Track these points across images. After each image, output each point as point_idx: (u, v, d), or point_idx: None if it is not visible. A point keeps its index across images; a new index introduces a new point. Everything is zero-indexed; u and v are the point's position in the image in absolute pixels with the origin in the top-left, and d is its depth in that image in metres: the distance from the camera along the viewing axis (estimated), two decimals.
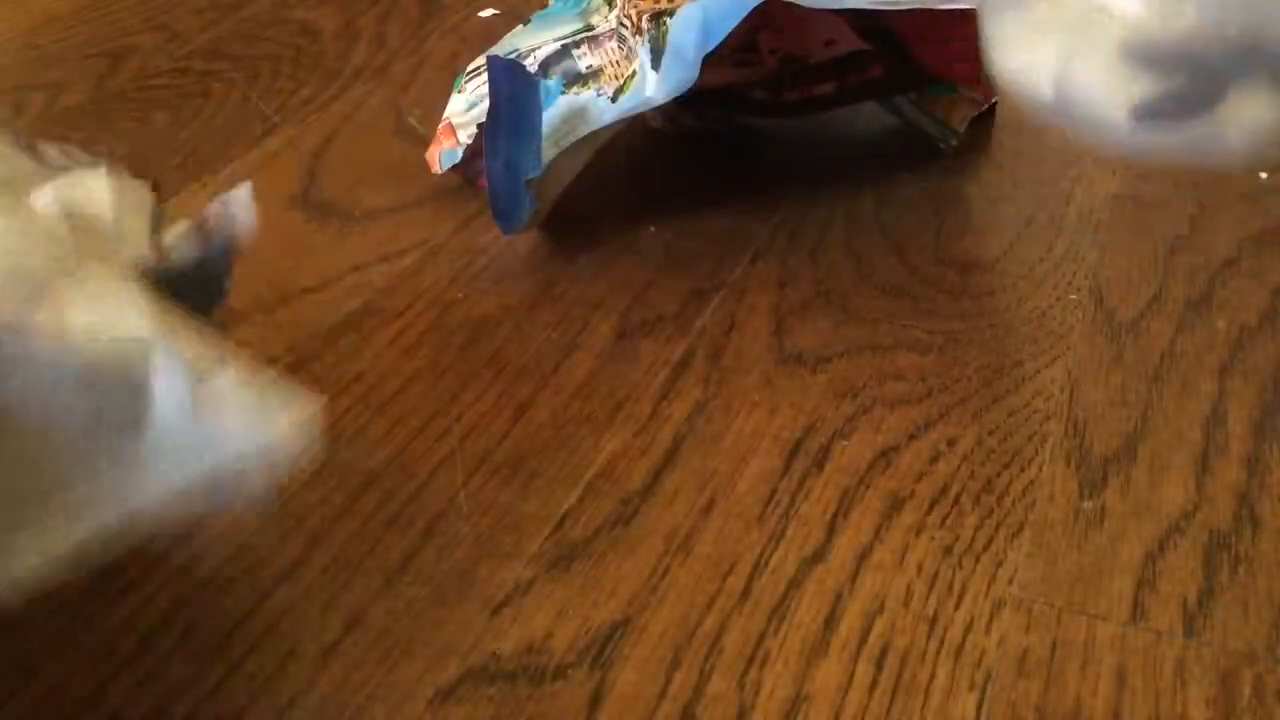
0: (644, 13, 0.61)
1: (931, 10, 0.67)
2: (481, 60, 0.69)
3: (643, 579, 0.43)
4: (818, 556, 0.44)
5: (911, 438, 0.50)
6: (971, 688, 0.40)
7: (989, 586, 0.43)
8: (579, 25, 0.68)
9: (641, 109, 0.59)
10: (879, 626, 0.42)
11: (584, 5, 0.70)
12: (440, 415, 0.51)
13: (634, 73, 0.62)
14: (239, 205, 0.33)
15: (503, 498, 0.47)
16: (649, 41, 0.60)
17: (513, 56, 0.67)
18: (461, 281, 0.60)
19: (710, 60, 0.57)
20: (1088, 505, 0.47)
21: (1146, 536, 0.46)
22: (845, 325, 0.57)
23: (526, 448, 0.49)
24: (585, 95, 0.64)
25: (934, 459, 0.49)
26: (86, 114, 0.74)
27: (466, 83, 0.69)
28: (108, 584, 0.43)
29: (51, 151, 0.35)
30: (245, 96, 0.76)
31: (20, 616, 0.41)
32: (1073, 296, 0.60)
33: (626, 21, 0.63)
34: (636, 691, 0.39)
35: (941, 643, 0.41)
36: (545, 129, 0.62)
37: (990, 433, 0.51)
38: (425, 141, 0.70)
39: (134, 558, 0.44)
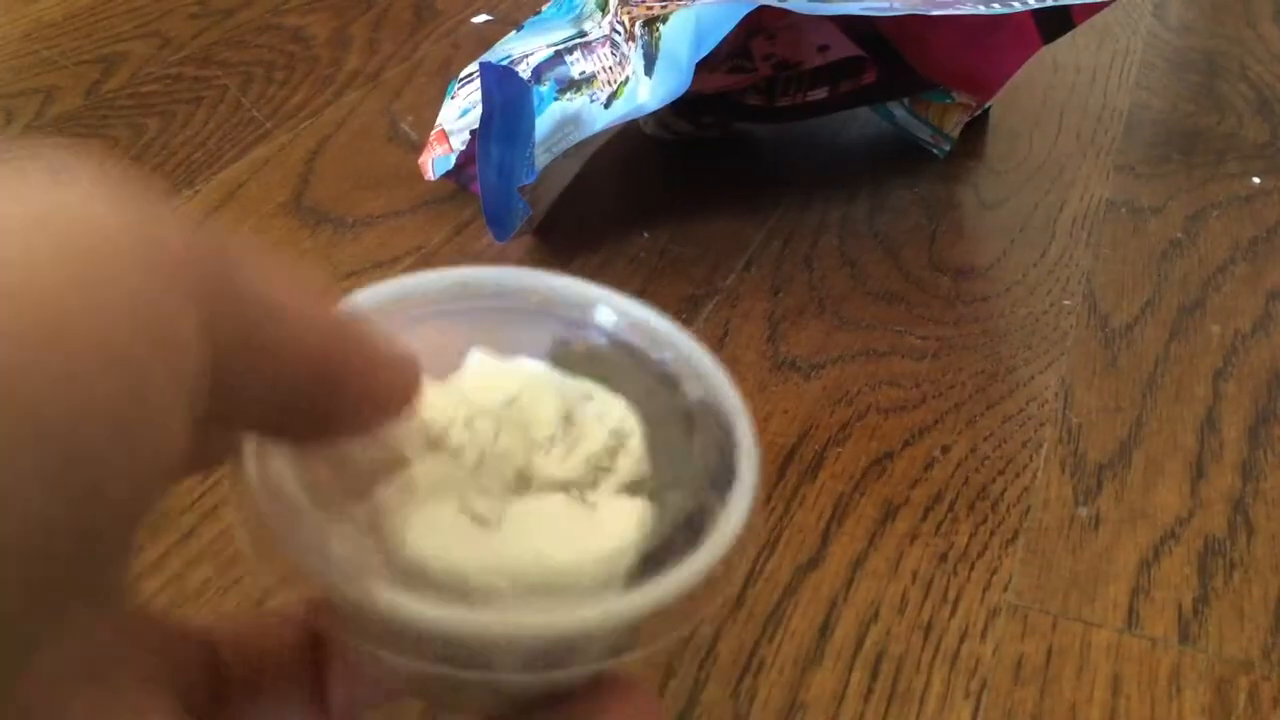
0: (637, 18, 0.61)
1: (925, 16, 0.67)
2: (474, 66, 0.69)
3: None
4: (812, 563, 0.44)
5: (906, 444, 0.50)
6: (967, 696, 0.39)
7: (984, 594, 0.43)
8: (572, 31, 0.68)
9: (635, 115, 0.59)
10: (874, 634, 0.41)
11: (577, 11, 0.70)
12: None
13: (627, 79, 0.62)
14: None
15: None
16: (642, 47, 0.60)
17: (505, 63, 0.67)
18: None
19: (704, 66, 0.57)
20: (1082, 511, 0.47)
21: (1141, 543, 0.46)
22: (839, 331, 0.57)
23: None
24: (578, 101, 0.64)
25: (928, 465, 0.49)
26: (79, 121, 0.73)
27: (459, 89, 0.69)
28: None
29: None
30: (238, 103, 0.76)
31: None
32: (1066, 302, 0.60)
33: (620, 27, 0.63)
34: None
35: (937, 650, 0.41)
36: (538, 135, 0.62)
37: (985, 439, 0.50)
38: (418, 148, 0.70)
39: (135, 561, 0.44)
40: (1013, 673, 0.40)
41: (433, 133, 0.67)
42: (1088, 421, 0.52)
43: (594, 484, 0.24)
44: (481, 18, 0.90)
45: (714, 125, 0.73)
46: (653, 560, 0.22)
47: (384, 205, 0.66)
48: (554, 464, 0.24)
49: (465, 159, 0.65)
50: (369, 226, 0.64)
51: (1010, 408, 0.52)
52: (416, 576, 0.21)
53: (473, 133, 0.63)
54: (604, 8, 0.67)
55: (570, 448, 0.24)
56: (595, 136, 0.59)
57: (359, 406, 0.21)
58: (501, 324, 0.27)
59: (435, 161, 0.66)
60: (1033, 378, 0.54)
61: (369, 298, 0.26)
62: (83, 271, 0.15)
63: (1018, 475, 0.49)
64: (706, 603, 0.22)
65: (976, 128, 0.75)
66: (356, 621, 0.21)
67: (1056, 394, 0.53)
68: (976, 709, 0.39)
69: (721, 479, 0.24)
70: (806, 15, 0.66)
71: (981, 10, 0.61)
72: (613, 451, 0.24)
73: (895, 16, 0.69)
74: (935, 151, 0.72)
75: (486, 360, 0.26)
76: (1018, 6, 0.62)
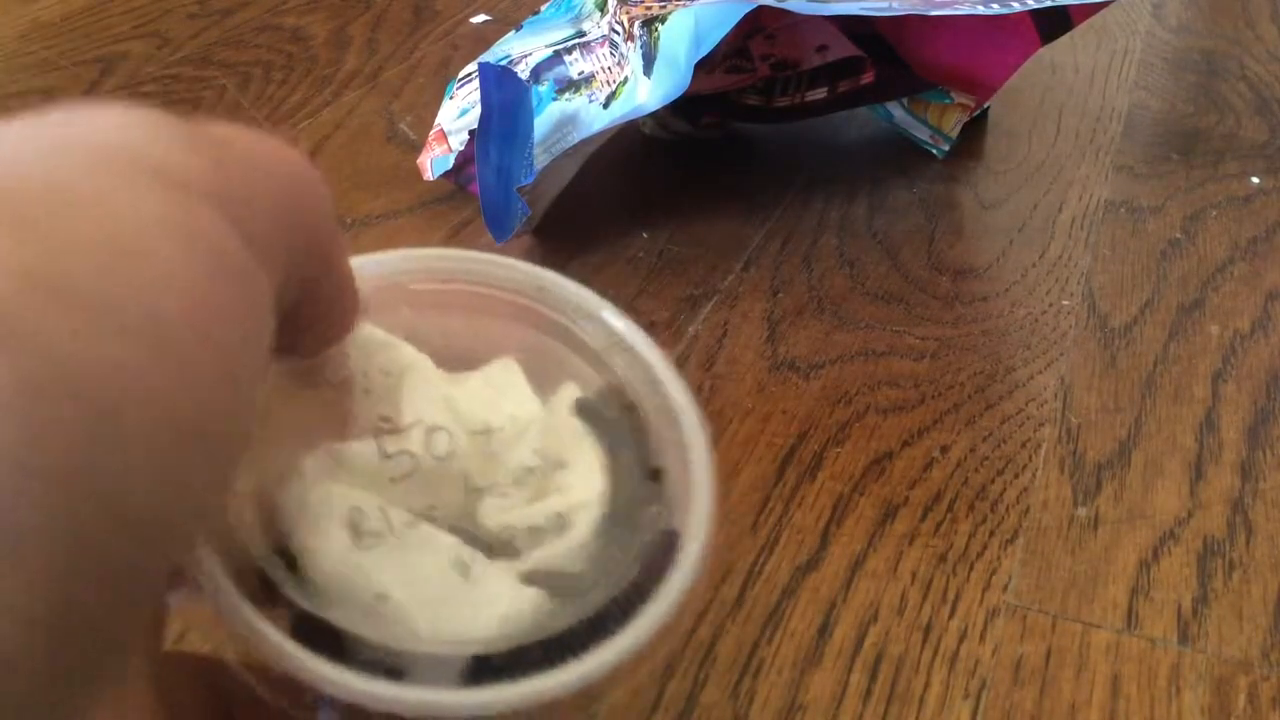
0: (636, 19, 0.61)
1: (924, 16, 0.67)
2: (473, 66, 0.69)
3: None
4: (811, 564, 0.44)
5: (905, 444, 0.50)
6: (966, 696, 0.39)
7: (983, 594, 0.43)
8: (571, 31, 0.68)
9: (633, 116, 0.59)
10: (873, 635, 0.41)
11: (576, 11, 0.70)
12: None
13: (626, 79, 0.62)
14: None
15: None
16: (641, 48, 0.60)
17: (504, 63, 0.67)
18: None
19: (702, 66, 0.57)
20: (1081, 512, 0.47)
21: (1140, 543, 0.46)
22: (838, 332, 0.57)
23: None
24: (577, 102, 0.64)
25: (927, 466, 0.49)
26: None
27: (458, 89, 0.69)
28: None
29: None
30: (236, 103, 0.76)
31: None
32: (1065, 302, 0.60)
33: (618, 27, 0.63)
34: (630, 701, 0.39)
35: (936, 651, 0.41)
36: (537, 136, 0.62)
37: (984, 439, 0.50)
38: (417, 148, 0.70)
39: None
40: (1012, 673, 0.40)
41: (431, 133, 0.67)
42: (1087, 422, 0.52)
43: (507, 552, 0.22)
44: (480, 18, 0.90)
45: (713, 125, 0.73)
46: (523, 658, 0.20)
47: (383, 206, 0.66)
48: (485, 512, 0.22)
49: (464, 159, 0.65)
50: (368, 227, 0.64)
51: (1009, 408, 0.52)
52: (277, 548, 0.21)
53: (471, 133, 0.63)
54: (603, 8, 0.67)
55: (508, 507, 0.22)
56: (594, 137, 0.59)
57: (326, 317, 0.21)
58: (551, 346, 0.25)
59: (434, 162, 0.66)
60: (1032, 378, 0.54)
61: (435, 256, 0.25)
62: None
63: (1017, 475, 0.49)
64: None
65: (975, 128, 0.75)
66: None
67: (1056, 394, 0.53)
68: (976, 710, 0.39)
69: (642, 594, 0.21)
70: (805, 15, 0.66)
71: (980, 10, 0.61)
72: (550, 532, 0.22)
73: (894, 16, 0.69)
74: (934, 152, 0.72)
75: (508, 377, 0.24)
76: (1016, 7, 0.62)
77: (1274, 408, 0.53)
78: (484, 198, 0.59)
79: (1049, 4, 0.61)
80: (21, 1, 0.88)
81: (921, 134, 0.73)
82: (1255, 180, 0.71)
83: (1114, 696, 0.40)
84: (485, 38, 0.83)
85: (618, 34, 0.63)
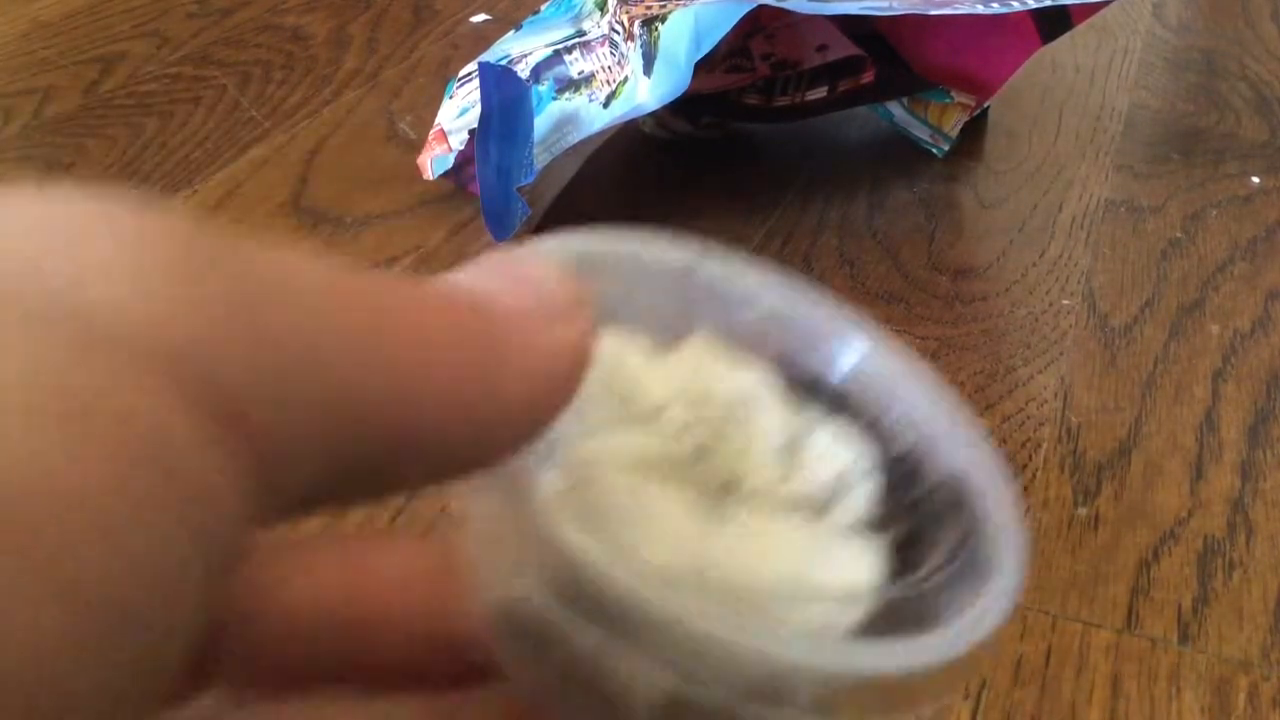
0: (636, 18, 0.61)
1: (924, 15, 0.67)
2: (473, 66, 0.69)
3: None
4: None
5: None
6: (966, 696, 0.39)
7: None
8: (571, 31, 0.68)
9: (633, 115, 0.59)
10: None
11: (576, 11, 0.70)
12: None
13: (626, 79, 0.62)
14: None
15: None
16: (641, 47, 0.60)
17: (504, 62, 0.67)
18: None
19: (702, 66, 0.57)
20: (1082, 512, 0.47)
21: (1141, 543, 0.46)
22: None
23: None
24: (577, 101, 0.64)
25: None
26: (76, 121, 0.73)
27: (458, 88, 0.69)
28: None
29: None
30: (236, 102, 0.76)
31: None
32: (1065, 302, 0.60)
33: (618, 27, 0.63)
34: None
35: None
36: (537, 135, 0.62)
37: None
38: (417, 148, 0.70)
39: None
40: (1012, 673, 0.40)
41: (431, 132, 0.67)
42: (1087, 421, 0.52)
43: (817, 517, 0.19)
44: (480, 17, 0.90)
45: (712, 125, 0.73)
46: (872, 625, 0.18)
47: (382, 205, 0.66)
48: (771, 484, 0.19)
49: (464, 159, 0.65)
50: (367, 227, 0.64)
51: (1009, 407, 0.52)
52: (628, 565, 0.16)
53: (471, 132, 0.63)
54: (603, 7, 0.67)
55: (786, 476, 0.19)
56: (594, 136, 0.59)
57: (504, 416, 0.15)
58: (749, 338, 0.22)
59: (434, 161, 0.66)
60: (1032, 378, 0.54)
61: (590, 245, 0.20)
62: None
63: (1017, 475, 0.49)
64: (933, 693, 0.17)
65: (975, 127, 0.75)
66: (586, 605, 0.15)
67: (1056, 394, 0.53)
68: (976, 710, 0.39)
69: (969, 561, 0.19)
70: (805, 15, 0.66)
71: (980, 10, 0.61)
72: (837, 493, 0.19)
73: (894, 16, 0.69)
74: (934, 151, 0.72)
75: (714, 347, 0.21)
76: (1016, 6, 0.62)
77: (1274, 408, 0.53)
78: (484, 197, 0.59)
79: (1049, 3, 0.61)
80: (21, 1, 0.88)
81: (921, 134, 0.73)
82: (1255, 180, 0.71)
83: (1114, 696, 0.40)
84: (485, 37, 0.83)
85: (618, 33, 0.63)
